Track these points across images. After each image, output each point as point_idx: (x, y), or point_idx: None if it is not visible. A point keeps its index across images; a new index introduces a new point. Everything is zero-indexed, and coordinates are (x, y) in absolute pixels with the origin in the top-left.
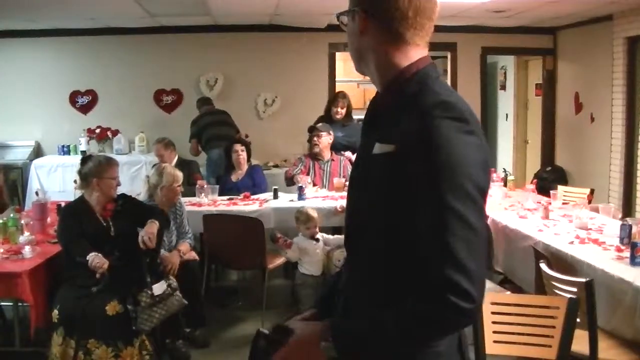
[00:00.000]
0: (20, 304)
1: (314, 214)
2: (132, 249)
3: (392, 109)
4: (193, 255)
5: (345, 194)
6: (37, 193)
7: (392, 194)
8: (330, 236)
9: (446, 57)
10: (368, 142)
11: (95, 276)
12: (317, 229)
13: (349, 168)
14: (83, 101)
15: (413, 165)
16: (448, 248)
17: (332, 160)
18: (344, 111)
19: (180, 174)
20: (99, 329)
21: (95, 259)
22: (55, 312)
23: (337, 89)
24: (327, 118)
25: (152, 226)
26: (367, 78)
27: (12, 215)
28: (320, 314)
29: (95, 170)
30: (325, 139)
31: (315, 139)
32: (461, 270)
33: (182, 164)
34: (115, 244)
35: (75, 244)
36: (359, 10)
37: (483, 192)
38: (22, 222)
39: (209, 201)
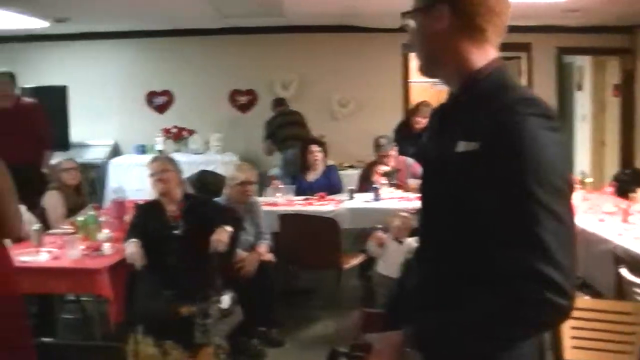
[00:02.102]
0: (99, 299)
1: (410, 221)
2: (199, 250)
3: (471, 108)
4: (269, 256)
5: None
6: (114, 191)
7: (477, 191)
8: (414, 242)
9: (520, 57)
10: (444, 142)
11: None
12: (404, 233)
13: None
14: (159, 101)
15: (499, 162)
16: (540, 243)
17: (399, 170)
18: (426, 121)
19: (254, 174)
20: (174, 330)
21: (128, 248)
22: (134, 311)
23: (411, 90)
24: (407, 127)
25: (223, 234)
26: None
27: (91, 213)
28: (390, 316)
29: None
30: (393, 155)
31: (384, 159)
32: (555, 265)
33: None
34: (178, 244)
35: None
36: (442, 6)
37: (570, 188)
38: (101, 219)
39: (285, 201)
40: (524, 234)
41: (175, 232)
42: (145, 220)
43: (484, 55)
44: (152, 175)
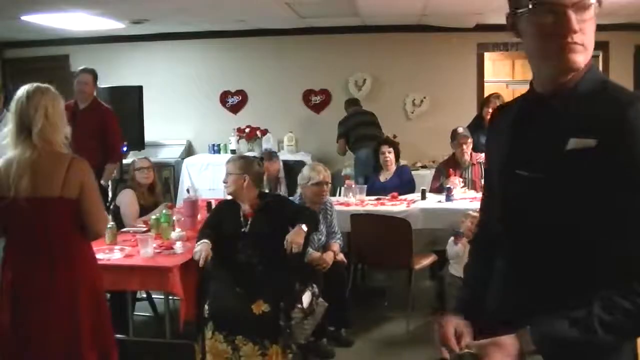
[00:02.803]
0: (171, 297)
1: None
2: (271, 249)
3: (577, 104)
4: (341, 257)
5: None
6: (188, 190)
7: (599, 188)
8: None
9: (597, 56)
10: (540, 141)
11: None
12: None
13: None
14: (233, 101)
15: (623, 157)
16: None
17: (473, 164)
18: None
19: (329, 175)
20: (246, 327)
21: (197, 246)
22: (206, 307)
23: (486, 90)
24: (480, 120)
25: (300, 234)
26: (517, 78)
27: (164, 211)
28: (467, 317)
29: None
30: (470, 145)
31: (464, 147)
32: None
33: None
34: (247, 242)
35: (200, 235)
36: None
37: None
38: (174, 218)
39: (357, 201)
40: None
41: (244, 230)
42: (220, 218)
43: None
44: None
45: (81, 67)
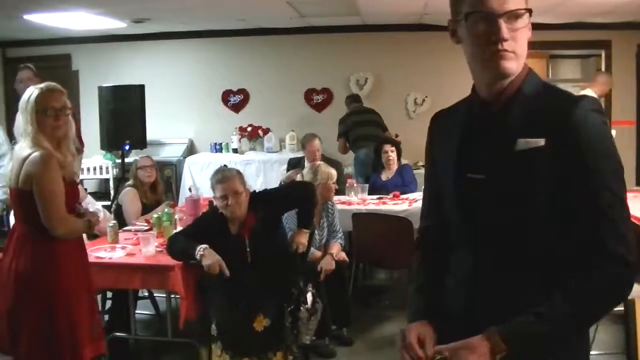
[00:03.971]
0: (172, 296)
1: None
2: (274, 264)
3: (520, 107)
4: (343, 256)
5: None
6: (190, 189)
7: (545, 185)
8: None
9: (599, 55)
10: (488, 143)
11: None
12: None
13: None
14: (235, 100)
15: (570, 155)
16: (616, 226)
17: None
18: None
19: (334, 172)
20: (250, 346)
21: (207, 259)
22: (213, 327)
23: None
24: None
25: (304, 235)
26: None
27: (166, 210)
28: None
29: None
30: None
31: None
32: (626, 245)
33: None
34: (251, 269)
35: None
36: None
37: None
38: (176, 217)
39: (359, 200)
40: (601, 220)
41: (247, 258)
42: (205, 237)
43: None
44: (222, 197)
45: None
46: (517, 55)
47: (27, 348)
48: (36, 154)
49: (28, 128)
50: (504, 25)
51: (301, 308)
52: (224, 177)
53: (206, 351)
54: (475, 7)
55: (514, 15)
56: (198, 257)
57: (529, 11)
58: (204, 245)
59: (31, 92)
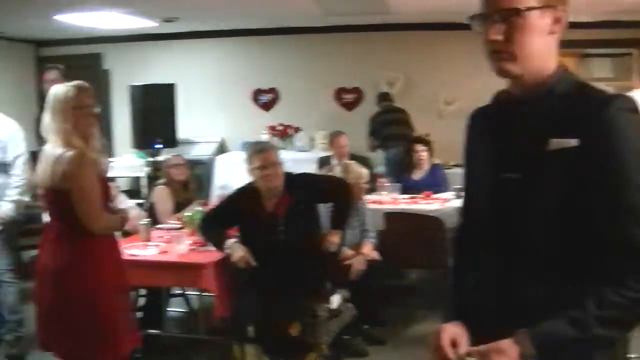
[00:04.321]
0: (205, 294)
1: None
2: (307, 249)
3: (554, 106)
4: (374, 255)
5: None
6: (221, 188)
7: (579, 184)
8: None
9: (632, 54)
10: (521, 142)
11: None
12: None
13: None
14: (265, 99)
15: (602, 152)
16: None
17: None
18: None
19: (365, 171)
20: (287, 349)
21: (236, 252)
22: (250, 329)
23: None
24: None
25: (336, 235)
26: None
27: (198, 208)
28: (463, 322)
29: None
30: None
31: None
32: None
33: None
34: (283, 249)
35: (207, 226)
36: (557, 7)
37: None
38: None
39: (390, 199)
40: (633, 223)
41: (280, 237)
42: (238, 216)
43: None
44: (260, 167)
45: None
46: (516, 56)
47: (67, 344)
48: (70, 152)
49: (62, 126)
50: (493, 26)
51: (322, 306)
52: (262, 148)
53: (239, 350)
54: (479, 9)
55: (508, 15)
56: (227, 252)
57: (543, 8)
58: (232, 240)
59: (66, 90)
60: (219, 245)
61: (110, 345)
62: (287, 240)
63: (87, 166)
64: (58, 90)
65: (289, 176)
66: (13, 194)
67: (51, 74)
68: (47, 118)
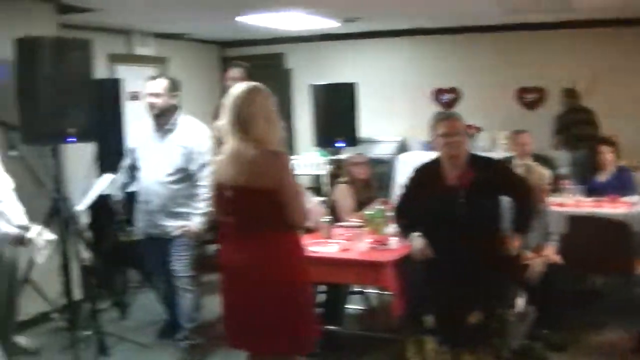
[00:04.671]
0: (384, 292)
1: None
2: (488, 226)
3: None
4: (556, 258)
5: None
6: (401, 187)
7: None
8: None
9: None
10: None
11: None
12: None
13: None
14: (446, 98)
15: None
16: None
17: None
18: None
19: (548, 172)
20: (464, 337)
21: (415, 243)
22: (428, 318)
23: None
24: None
25: (516, 239)
26: None
27: (379, 207)
28: None
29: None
30: None
31: None
32: None
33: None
34: (465, 227)
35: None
36: None
37: None
38: (388, 214)
39: (573, 201)
40: None
41: (459, 210)
42: (419, 191)
43: None
44: (445, 134)
45: (232, 62)
46: None
47: (261, 338)
48: (271, 152)
49: (266, 127)
50: None
51: (509, 311)
52: (448, 115)
53: (413, 347)
54: None
55: None
56: (409, 242)
57: None
58: (416, 234)
59: (266, 91)
60: (404, 235)
61: (302, 337)
62: (466, 215)
63: (289, 164)
64: (257, 90)
65: (475, 155)
66: (202, 206)
67: (235, 72)
68: (234, 117)
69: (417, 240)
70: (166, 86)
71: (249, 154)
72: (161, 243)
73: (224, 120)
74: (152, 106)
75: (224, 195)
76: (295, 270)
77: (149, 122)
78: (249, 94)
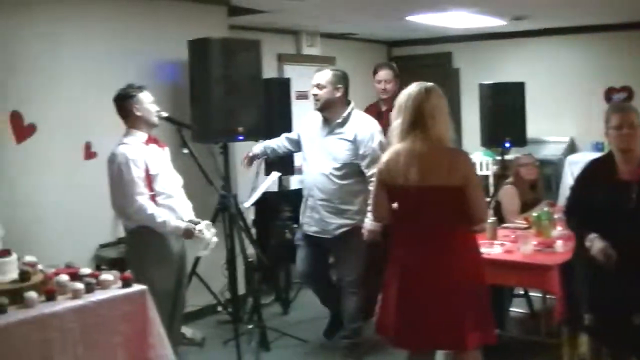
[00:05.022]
0: (548, 296)
1: None
2: None
3: None
4: None
5: None
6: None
7: None
8: None
9: None
10: None
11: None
12: None
13: None
14: (618, 98)
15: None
16: None
17: None
18: None
19: None
20: (626, 340)
21: (594, 245)
22: (586, 316)
23: None
24: None
25: None
26: None
27: (546, 209)
28: None
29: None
30: None
31: None
32: None
33: None
34: (634, 222)
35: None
36: None
37: None
38: (555, 216)
39: None
40: None
41: (630, 205)
42: (589, 187)
43: None
44: (617, 126)
45: (379, 63)
46: None
47: (440, 335)
48: (455, 150)
49: (445, 126)
50: None
51: None
52: (622, 107)
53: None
54: None
55: None
56: (587, 245)
57: None
58: (592, 235)
59: (440, 90)
60: (578, 236)
61: (486, 330)
62: (636, 209)
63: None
64: (436, 93)
65: None
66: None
67: (384, 73)
68: (413, 116)
69: (598, 242)
70: (330, 78)
71: (433, 152)
72: (322, 243)
73: (399, 120)
74: (315, 98)
75: (403, 195)
76: (478, 265)
77: (316, 116)
78: (428, 93)
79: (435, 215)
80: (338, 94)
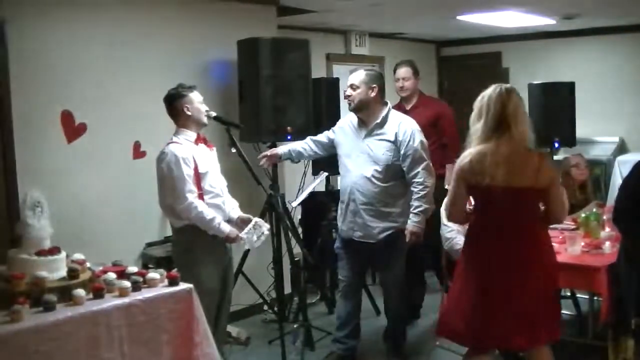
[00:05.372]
0: (595, 297)
1: None
2: None
3: None
4: None
5: None
6: None
7: None
8: None
9: None
10: None
11: None
12: None
13: None
14: None
15: None
16: None
17: None
18: None
19: None
20: None
21: None
22: (635, 320)
23: None
24: None
25: None
26: None
27: (594, 210)
28: None
29: None
30: None
31: None
32: None
33: None
34: None
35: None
36: None
37: None
38: (604, 217)
39: None
40: None
41: None
42: None
43: None
44: None
45: (400, 61)
46: None
47: (542, 332)
48: (538, 152)
49: (525, 127)
50: None
51: None
52: None
53: (614, 349)
54: None
55: None
56: None
57: None
58: None
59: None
60: (628, 237)
61: (552, 328)
62: None
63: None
64: (515, 95)
65: None
66: (418, 204)
67: (403, 71)
68: (496, 118)
69: None
70: (363, 78)
71: (519, 154)
72: (364, 248)
73: (481, 122)
74: (348, 99)
75: (487, 195)
76: (554, 262)
77: (351, 118)
78: (508, 93)
79: (520, 215)
80: (372, 94)
